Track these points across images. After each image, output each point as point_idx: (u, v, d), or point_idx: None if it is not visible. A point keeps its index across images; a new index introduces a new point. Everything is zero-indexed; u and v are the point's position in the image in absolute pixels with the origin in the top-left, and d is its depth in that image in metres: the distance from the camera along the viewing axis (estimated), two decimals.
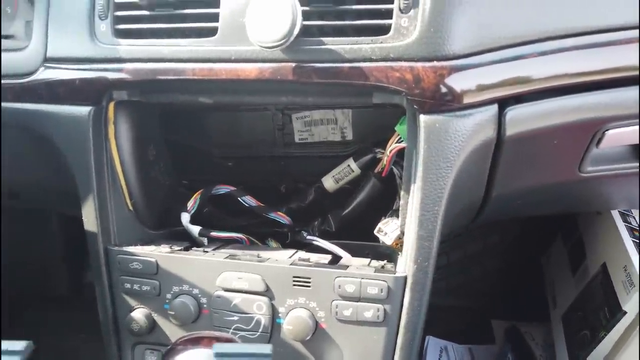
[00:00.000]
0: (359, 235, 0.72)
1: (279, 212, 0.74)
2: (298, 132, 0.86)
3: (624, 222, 0.93)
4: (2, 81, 0.65)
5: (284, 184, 0.87)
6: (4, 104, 0.66)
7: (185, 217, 0.70)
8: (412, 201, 0.55)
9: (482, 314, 1.28)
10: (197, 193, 0.72)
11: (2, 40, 0.70)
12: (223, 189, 0.73)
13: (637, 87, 0.55)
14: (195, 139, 0.83)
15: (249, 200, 0.74)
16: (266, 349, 0.33)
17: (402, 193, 0.58)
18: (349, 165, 0.78)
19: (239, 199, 0.73)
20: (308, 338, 0.58)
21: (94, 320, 0.68)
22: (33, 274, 1.31)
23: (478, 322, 1.27)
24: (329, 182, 0.79)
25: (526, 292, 1.27)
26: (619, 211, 0.96)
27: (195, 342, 0.47)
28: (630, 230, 0.91)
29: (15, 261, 1.23)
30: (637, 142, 0.59)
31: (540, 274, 1.22)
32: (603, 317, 0.86)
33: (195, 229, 0.69)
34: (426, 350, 1.20)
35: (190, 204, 0.72)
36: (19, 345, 0.32)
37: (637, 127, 0.57)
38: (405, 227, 0.57)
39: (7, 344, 0.32)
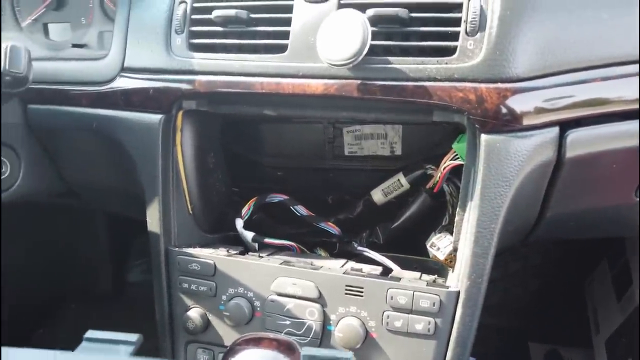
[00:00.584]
0: (404, 249, 0.73)
1: (329, 222, 0.77)
2: (348, 145, 0.89)
3: None
4: (79, 88, 0.70)
5: (331, 196, 0.89)
6: (79, 109, 0.71)
7: (239, 223, 0.73)
8: (468, 218, 0.56)
9: (519, 335, 1.26)
10: (251, 200, 0.75)
11: (77, 49, 0.76)
12: (277, 197, 0.76)
13: None
14: (249, 149, 0.87)
15: (300, 210, 0.76)
16: (348, 354, 0.35)
17: (457, 210, 0.59)
18: (398, 180, 0.79)
19: (291, 207, 0.76)
20: (358, 346, 0.59)
21: (136, 317, 0.70)
22: (79, 272, 1.37)
23: (515, 344, 1.25)
24: (377, 196, 0.81)
25: (566, 315, 1.25)
26: None
27: (256, 342, 0.50)
28: None
29: (61, 259, 1.28)
30: None
31: (581, 298, 1.20)
32: None
33: (248, 235, 0.72)
34: None
35: (244, 210, 0.74)
36: (133, 337, 0.35)
37: None
38: (460, 243, 0.58)
39: (122, 335, 0.35)
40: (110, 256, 1.40)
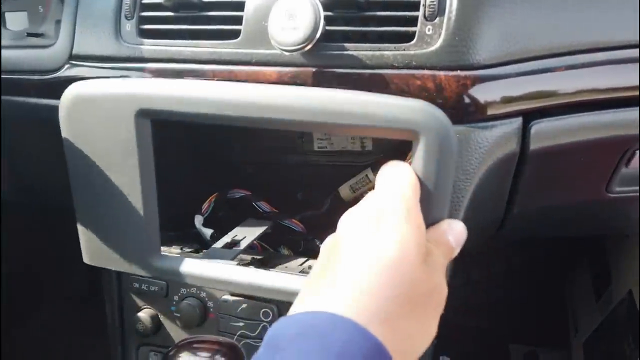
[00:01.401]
0: None
1: (294, 220, 0.74)
2: (317, 141, 0.86)
3: None
4: (27, 77, 0.67)
5: (301, 192, 0.86)
6: (28, 100, 0.68)
7: (198, 220, 0.70)
8: None
9: (499, 336, 1.24)
10: (212, 196, 0.72)
11: (33, 38, 0.72)
12: (238, 193, 0.73)
13: None
14: (216, 144, 0.83)
15: (263, 206, 0.73)
16: None
17: None
18: (366, 175, 0.77)
19: (253, 203, 0.73)
20: None
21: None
22: (53, 273, 1.33)
23: (495, 345, 1.23)
24: (345, 192, 0.78)
25: (547, 316, 1.23)
26: None
27: (197, 345, 0.47)
28: None
29: (35, 261, 1.25)
30: None
31: (563, 299, 1.18)
32: (627, 346, 0.82)
33: (207, 232, 0.69)
34: None
35: (204, 206, 0.71)
36: None
37: None
38: None
39: None
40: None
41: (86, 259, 0.62)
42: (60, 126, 0.57)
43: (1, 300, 1.06)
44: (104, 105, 0.54)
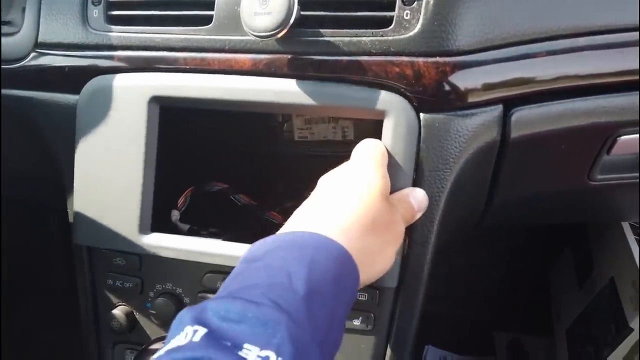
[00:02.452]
0: None
1: (273, 212, 0.72)
2: (298, 130, 0.84)
3: (634, 234, 0.89)
4: None
5: (282, 183, 0.85)
6: None
7: (174, 215, 0.68)
8: None
9: (484, 324, 1.24)
10: (188, 190, 0.70)
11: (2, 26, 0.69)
12: (216, 187, 0.71)
13: None
14: (193, 135, 0.81)
15: (241, 199, 0.71)
16: None
17: None
18: None
19: (231, 197, 0.71)
20: None
21: None
22: (33, 267, 1.30)
23: (480, 333, 1.24)
24: None
25: (532, 304, 1.24)
26: (630, 223, 0.92)
27: None
28: None
29: (16, 253, 1.21)
30: None
31: (547, 287, 1.19)
32: (609, 333, 0.82)
33: (184, 227, 0.67)
34: (424, 358, 1.17)
35: (180, 201, 0.69)
36: None
37: None
38: None
39: None
40: (64, 249, 1.33)
41: (78, 240, 0.61)
42: (77, 114, 0.59)
43: None
44: (121, 95, 0.57)
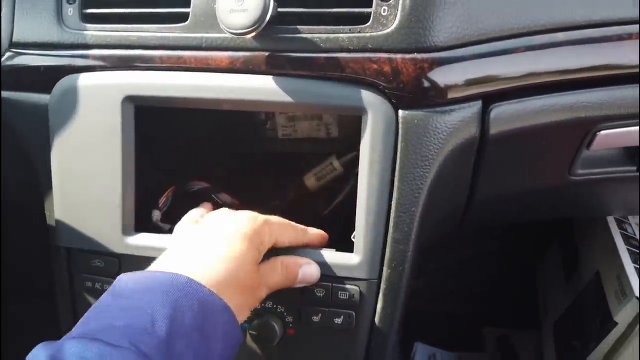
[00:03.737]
0: (339, 238, 0.69)
1: (256, 211, 0.71)
2: (281, 127, 0.83)
3: (619, 229, 0.89)
4: None
5: (266, 182, 0.84)
6: None
7: (155, 214, 0.67)
8: None
9: (473, 321, 1.25)
10: (169, 189, 0.69)
11: None
12: (197, 185, 0.70)
13: (635, 85, 0.51)
14: (174, 134, 0.80)
15: (223, 198, 0.70)
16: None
17: None
18: (331, 163, 0.74)
19: (212, 196, 0.70)
20: (275, 344, 0.55)
21: (79, 314, 0.64)
22: (15, 268, 1.28)
23: (469, 329, 1.24)
24: (310, 181, 0.76)
25: (520, 299, 1.24)
26: (615, 218, 0.92)
27: None
28: (626, 238, 0.88)
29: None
30: (632, 144, 0.56)
31: (535, 282, 1.19)
32: (594, 327, 0.82)
33: (165, 227, 0.66)
34: (414, 356, 1.17)
35: (162, 200, 0.68)
36: None
37: (633, 128, 0.53)
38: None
39: None
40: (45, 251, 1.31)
41: (59, 241, 0.61)
42: (49, 114, 0.58)
43: None
44: (93, 94, 0.56)
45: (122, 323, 0.37)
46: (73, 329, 0.39)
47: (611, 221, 0.91)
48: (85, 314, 0.40)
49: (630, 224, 0.93)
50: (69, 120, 0.57)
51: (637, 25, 0.50)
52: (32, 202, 0.71)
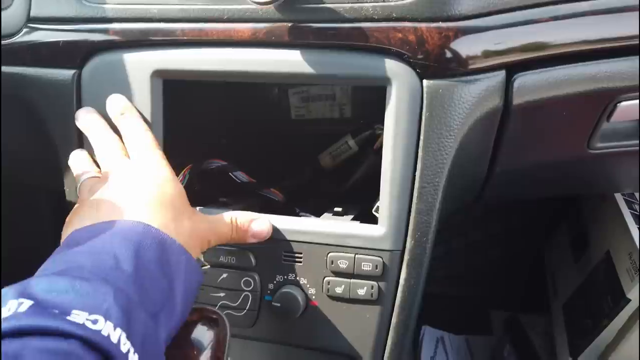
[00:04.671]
0: (357, 215, 0.69)
1: (273, 189, 0.71)
2: (295, 108, 0.83)
3: (629, 208, 0.90)
4: None
5: (279, 162, 0.84)
6: None
7: None
8: None
9: (480, 303, 1.25)
10: (186, 168, 0.69)
11: None
12: (214, 164, 0.70)
13: None
14: (188, 114, 0.80)
15: (240, 176, 0.70)
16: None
17: None
18: (346, 142, 0.75)
19: (230, 174, 0.70)
20: (298, 316, 0.55)
21: None
22: (22, 253, 1.28)
23: (476, 312, 1.25)
24: (325, 160, 0.76)
25: (528, 282, 1.25)
26: (624, 198, 0.93)
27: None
28: (636, 217, 0.89)
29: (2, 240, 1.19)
30: None
31: (542, 264, 1.20)
32: (606, 305, 0.83)
33: None
34: (422, 340, 1.18)
35: (179, 178, 0.68)
36: None
37: None
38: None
39: None
40: (55, 236, 1.31)
41: None
42: (82, 91, 0.58)
43: None
44: (123, 70, 0.56)
45: (89, 264, 0.38)
46: (36, 273, 0.39)
47: (620, 201, 0.91)
48: (44, 263, 0.40)
49: (638, 204, 0.94)
50: (100, 97, 0.57)
51: None
52: (44, 183, 0.71)
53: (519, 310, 1.20)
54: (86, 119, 0.57)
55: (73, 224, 0.45)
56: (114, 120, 0.56)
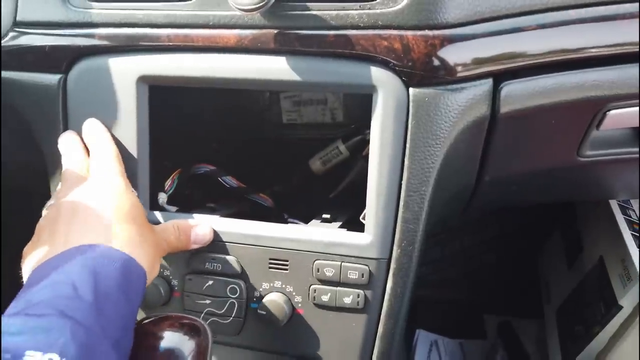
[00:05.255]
0: (346, 222, 0.68)
1: (262, 194, 0.71)
2: (286, 113, 0.83)
3: (623, 214, 0.90)
4: None
5: (271, 167, 0.84)
6: None
7: (162, 197, 0.66)
8: None
9: (475, 308, 1.25)
10: (175, 172, 0.68)
11: None
12: (203, 168, 0.70)
13: None
14: (178, 118, 0.80)
15: (229, 181, 0.70)
16: None
17: None
18: (337, 147, 0.74)
19: (219, 179, 0.70)
20: (284, 324, 0.54)
21: None
22: (13, 254, 1.27)
23: (470, 317, 1.24)
24: (316, 165, 0.76)
25: (522, 286, 1.24)
26: (618, 203, 0.92)
27: (158, 323, 0.44)
28: (630, 223, 0.88)
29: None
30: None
31: (536, 269, 1.19)
32: (598, 312, 0.83)
33: (171, 210, 0.66)
34: (416, 343, 1.18)
35: (167, 183, 0.68)
36: None
37: None
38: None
39: None
40: None
41: None
42: (68, 95, 0.58)
43: None
44: (109, 75, 0.56)
45: (47, 297, 0.37)
46: None
47: (614, 206, 0.91)
48: (8, 307, 0.39)
49: (633, 210, 0.93)
50: (86, 102, 0.57)
51: None
52: (34, 186, 0.71)
53: (513, 315, 1.20)
54: (62, 140, 0.57)
55: (30, 258, 0.45)
56: (85, 142, 0.56)
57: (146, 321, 0.44)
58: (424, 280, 1.27)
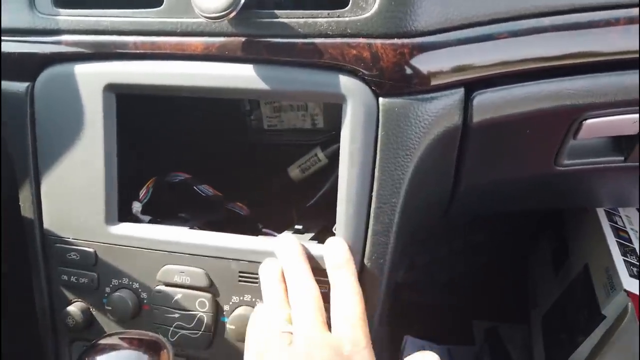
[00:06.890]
0: (319, 233, 0.67)
1: (238, 203, 0.70)
2: (267, 119, 0.81)
3: (609, 221, 0.89)
4: None
5: (250, 174, 0.83)
6: None
7: (136, 206, 0.65)
8: None
9: (462, 313, 1.24)
10: (150, 181, 0.67)
11: None
12: (177, 177, 0.68)
13: (622, 73, 0.50)
14: (157, 126, 0.78)
15: (205, 190, 0.69)
16: None
17: None
18: (316, 154, 0.73)
19: (194, 187, 0.68)
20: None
21: None
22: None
23: (459, 322, 1.23)
24: (294, 172, 0.75)
25: (510, 291, 1.23)
26: (605, 210, 0.91)
27: (119, 341, 0.43)
28: (615, 230, 0.87)
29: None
30: (619, 134, 0.54)
31: (525, 274, 1.18)
32: (582, 320, 0.82)
33: (145, 219, 0.65)
34: (404, 349, 1.17)
35: (142, 192, 0.66)
36: None
37: (619, 116, 0.52)
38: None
39: None
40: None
41: (40, 230, 0.60)
42: (35, 103, 0.57)
43: None
44: (75, 83, 0.55)
45: None
46: None
47: (601, 213, 0.90)
48: None
49: (620, 216, 0.92)
50: (52, 110, 0.56)
51: (625, 10, 0.48)
52: (7, 195, 0.70)
53: (501, 320, 1.19)
54: (261, 272, 0.52)
55: None
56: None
57: (104, 339, 0.43)
58: (411, 286, 1.26)
